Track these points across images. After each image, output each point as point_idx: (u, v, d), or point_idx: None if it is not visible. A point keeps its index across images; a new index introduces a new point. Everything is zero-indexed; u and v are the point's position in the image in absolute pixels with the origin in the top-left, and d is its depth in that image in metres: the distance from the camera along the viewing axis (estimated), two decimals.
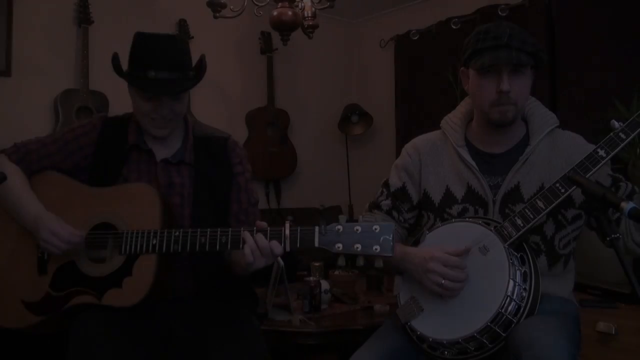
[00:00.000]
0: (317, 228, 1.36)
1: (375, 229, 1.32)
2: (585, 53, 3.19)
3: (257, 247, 1.39)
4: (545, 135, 1.61)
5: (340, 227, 1.35)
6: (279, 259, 2.21)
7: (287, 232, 1.39)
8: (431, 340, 1.45)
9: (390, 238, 1.31)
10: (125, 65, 1.63)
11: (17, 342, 1.90)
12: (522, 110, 1.61)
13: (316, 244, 1.35)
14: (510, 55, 1.49)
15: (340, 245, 1.34)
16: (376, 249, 1.31)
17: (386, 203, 1.75)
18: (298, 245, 1.38)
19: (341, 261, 1.40)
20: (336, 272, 2.67)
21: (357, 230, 1.33)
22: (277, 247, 1.39)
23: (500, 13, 3.59)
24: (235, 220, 1.68)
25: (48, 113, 3.24)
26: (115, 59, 1.63)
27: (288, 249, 1.39)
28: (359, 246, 1.33)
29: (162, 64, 1.56)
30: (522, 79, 1.54)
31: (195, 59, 1.71)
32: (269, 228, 1.41)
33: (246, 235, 1.41)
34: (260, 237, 1.40)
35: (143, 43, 1.58)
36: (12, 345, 2.03)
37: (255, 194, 1.76)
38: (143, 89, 1.56)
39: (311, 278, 2.42)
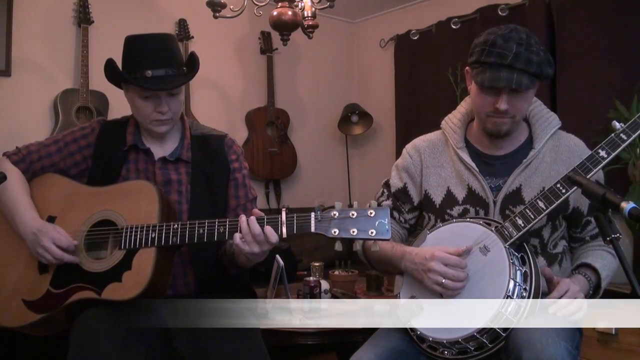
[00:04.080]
0: (313, 214, 1.37)
1: (371, 213, 1.33)
2: (585, 53, 3.19)
3: (248, 231, 1.40)
4: (548, 138, 1.61)
5: (336, 212, 1.36)
6: (279, 258, 2.22)
7: (284, 218, 1.40)
8: (431, 340, 1.45)
9: (386, 222, 1.32)
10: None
11: (17, 342, 1.90)
12: (520, 121, 1.61)
13: (312, 230, 1.36)
14: (511, 77, 1.46)
15: (336, 230, 1.34)
16: (372, 233, 1.32)
17: (387, 203, 1.75)
18: (295, 231, 1.39)
19: (338, 246, 1.40)
20: (336, 272, 2.67)
21: (353, 215, 1.34)
22: (272, 235, 1.40)
23: (500, 13, 3.59)
24: (234, 216, 1.69)
25: (48, 113, 3.24)
26: (109, 64, 1.64)
27: (285, 235, 1.40)
28: (355, 231, 1.33)
29: (157, 62, 1.60)
30: (521, 97, 1.52)
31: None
32: (265, 216, 1.42)
33: (241, 220, 1.42)
34: (252, 221, 1.41)
35: (137, 45, 1.63)
36: (13, 345, 2.03)
37: (253, 189, 1.78)
38: (143, 86, 1.59)
39: (311, 278, 2.41)
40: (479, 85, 1.53)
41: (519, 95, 1.51)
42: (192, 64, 1.70)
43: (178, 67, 1.64)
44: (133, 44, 1.63)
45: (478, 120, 1.63)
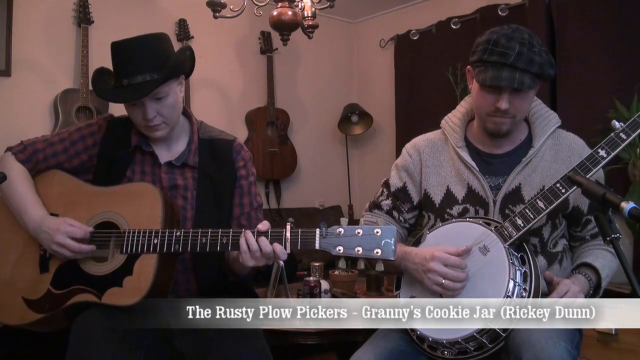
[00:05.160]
0: (318, 230, 1.36)
1: (377, 232, 1.32)
2: (585, 53, 3.19)
3: (258, 249, 1.39)
4: (547, 137, 1.61)
5: (341, 229, 1.35)
6: None
7: (288, 234, 1.39)
8: (431, 340, 1.45)
9: (392, 242, 1.31)
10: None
11: (17, 340, 1.90)
12: (520, 121, 1.61)
13: (317, 247, 1.35)
14: (513, 77, 1.45)
15: (341, 247, 1.34)
16: (377, 253, 1.31)
17: (386, 203, 1.75)
18: (299, 247, 1.38)
19: (342, 264, 1.39)
20: (336, 272, 2.67)
21: (359, 233, 1.33)
22: (282, 253, 1.39)
23: (500, 13, 3.59)
24: (236, 224, 1.68)
25: (48, 113, 3.24)
26: (93, 76, 1.64)
27: (288, 250, 1.40)
28: (360, 249, 1.32)
29: (133, 69, 1.54)
30: (523, 97, 1.52)
31: (197, 59, 1.70)
32: (270, 230, 1.41)
33: (249, 237, 1.40)
34: (263, 241, 1.40)
35: (116, 53, 1.58)
36: (13, 343, 2.03)
37: (259, 197, 1.74)
38: (110, 99, 1.58)
39: (311, 278, 2.41)
40: (480, 83, 1.52)
41: (520, 95, 1.51)
42: (177, 62, 1.62)
43: (158, 70, 1.55)
44: (113, 51, 1.58)
45: (478, 120, 1.63)
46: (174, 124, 1.66)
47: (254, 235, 1.41)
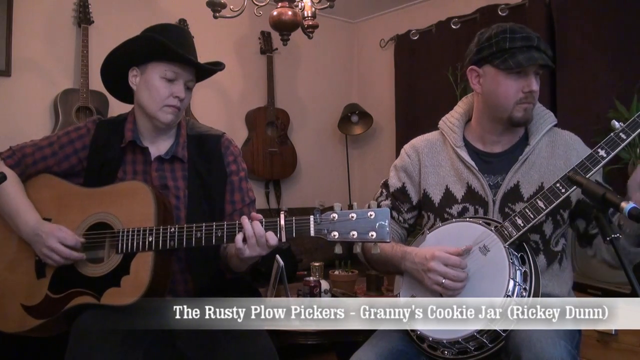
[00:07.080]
0: (312, 217, 1.35)
1: (371, 215, 1.31)
2: (585, 53, 3.19)
3: (253, 234, 1.39)
4: (544, 135, 1.62)
5: (335, 215, 1.34)
6: (279, 258, 2.21)
7: (282, 222, 1.38)
8: (431, 339, 1.45)
9: (386, 223, 1.30)
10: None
11: (17, 343, 1.89)
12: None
13: (312, 233, 1.35)
14: (542, 56, 1.51)
15: (336, 233, 1.33)
16: (372, 235, 1.31)
17: (386, 203, 1.75)
18: (294, 235, 1.38)
19: (338, 249, 1.38)
20: (336, 272, 2.68)
21: (353, 217, 1.32)
22: (272, 238, 1.39)
23: (500, 13, 3.59)
24: (229, 221, 1.67)
25: (48, 113, 3.24)
26: (137, 41, 1.61)
27: (284, 239, 1.39)
28: (354, 233, 1.32)
29: (184, 47, 1.61)
30: (539, 81, 1.57)
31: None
32: (264, 220, 1.41)
33: (244, 221, 1.41)
34: (257, 224, 1.40)
35: (162, 32, 1.61)
36: (13, 346, 2.02)
37: (251, 192, 1.74)
38: (183, 57, 1.58)
39: (311, 278, 2.42)
40: (509, 69, 1.52)
41: (538, 79, 1.56)
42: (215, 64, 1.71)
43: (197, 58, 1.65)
44: (156, 31, 1.61)
45: (496, 115, 1.60)
46: (181, 117, 1.70)
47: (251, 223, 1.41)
